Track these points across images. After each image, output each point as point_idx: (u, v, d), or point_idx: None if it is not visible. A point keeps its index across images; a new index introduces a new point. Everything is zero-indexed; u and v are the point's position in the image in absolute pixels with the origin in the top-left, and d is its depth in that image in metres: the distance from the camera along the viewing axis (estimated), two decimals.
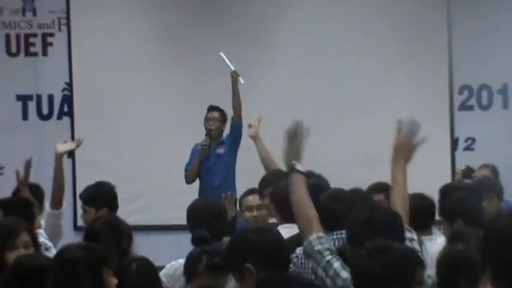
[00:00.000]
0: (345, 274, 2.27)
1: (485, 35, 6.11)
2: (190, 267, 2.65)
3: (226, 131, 5.43)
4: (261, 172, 4.11)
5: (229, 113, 5.34)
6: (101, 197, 3.74)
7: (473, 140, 6.04)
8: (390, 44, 6.08)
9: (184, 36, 6.17)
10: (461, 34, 6.16)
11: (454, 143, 6.09)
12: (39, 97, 6.48)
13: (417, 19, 6.09)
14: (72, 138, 5.75)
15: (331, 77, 6.06)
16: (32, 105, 6.48)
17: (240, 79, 5.40)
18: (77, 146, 4.34)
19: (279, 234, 2.41)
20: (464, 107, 6.15)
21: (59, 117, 6.52)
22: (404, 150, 2.68)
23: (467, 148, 6.04)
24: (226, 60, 5.54)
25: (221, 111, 5.49)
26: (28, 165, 3.81)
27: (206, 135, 5.40)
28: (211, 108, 5.50)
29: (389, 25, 6.12)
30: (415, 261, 2.00)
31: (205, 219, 3.17)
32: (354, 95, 6.02)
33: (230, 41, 5.97)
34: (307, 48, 6.12)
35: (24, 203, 3.39)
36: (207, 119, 5.44)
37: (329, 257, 2.33)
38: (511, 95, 6.17)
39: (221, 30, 6.14)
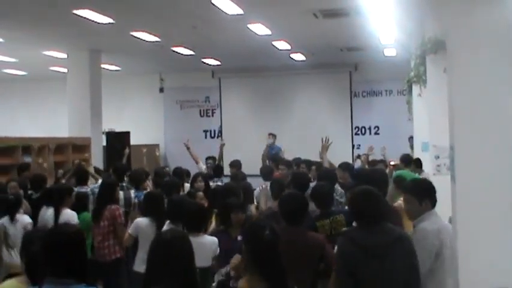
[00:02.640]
0: None
1: (366, 104, 16.10)
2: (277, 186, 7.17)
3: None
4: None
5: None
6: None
7: (359, 145, 15.92)
8: (329, 112, 16.20)
9: (261, 114, 16.37)
10: (357, 105, 16.29)
11: (352, 147, 16.10)
12: (210, 130, 17.03)
13: (338, 102, 16.13)
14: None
15: (313, 128, 15.91)
16: (207, 133, 17.03)
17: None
18: (223, 144, 12.28)
19: None
20: (356, 133, 16.15)
21: (218, 137, 16.56)
22: (325, 148, 9.10)
23: (357, 148, 15.94)
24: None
25: (273, 134, 13.55)
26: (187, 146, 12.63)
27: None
28: (269, 134, 13.42)
29: (329, 105, 16.21)
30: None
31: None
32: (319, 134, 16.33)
33: (273, 115, 16.10)
34: (303, 117, 16.13)
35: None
36: (268, 138, 13.66)
37: None
38: (380, 130, 16.19)
39: (272, 109, 16.24)
